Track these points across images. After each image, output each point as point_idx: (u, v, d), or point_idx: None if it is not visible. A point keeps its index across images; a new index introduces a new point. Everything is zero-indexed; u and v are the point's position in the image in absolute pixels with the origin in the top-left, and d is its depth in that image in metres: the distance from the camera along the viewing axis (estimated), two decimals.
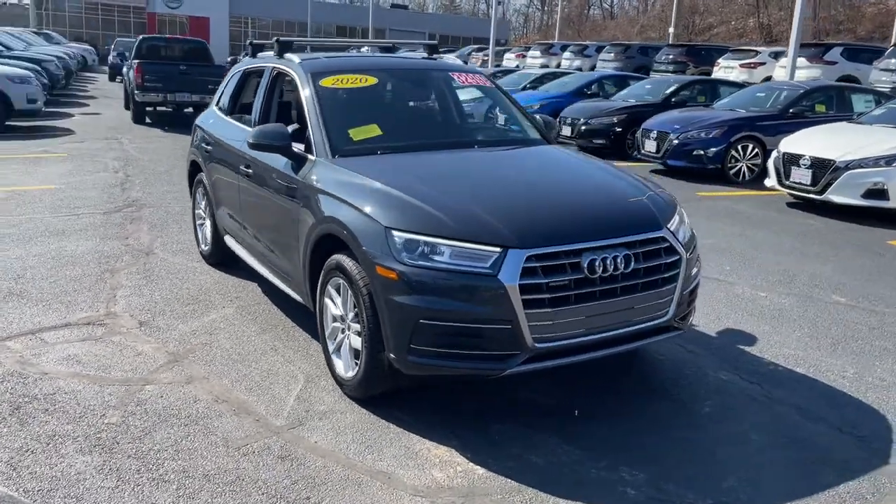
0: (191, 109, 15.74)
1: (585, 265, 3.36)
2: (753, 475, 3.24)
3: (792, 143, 9.20)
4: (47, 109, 16.16)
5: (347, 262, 3.59)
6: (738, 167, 11.01)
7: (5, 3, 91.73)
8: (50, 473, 3.05)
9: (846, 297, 5.66)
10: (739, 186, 10.71)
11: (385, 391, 3.71)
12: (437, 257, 3.31)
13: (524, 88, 17.74)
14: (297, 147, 4.29)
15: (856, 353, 4.60)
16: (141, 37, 16.36)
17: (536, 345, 3.32)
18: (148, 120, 15.90)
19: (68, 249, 6.35)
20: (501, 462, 3.27)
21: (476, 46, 38.87)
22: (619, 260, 3.44)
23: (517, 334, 3.27)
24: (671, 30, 40.59)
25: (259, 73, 5.26)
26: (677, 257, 3.69)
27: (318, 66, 4.70)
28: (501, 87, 5.16)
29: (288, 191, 4.26)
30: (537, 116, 5.10)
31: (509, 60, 33.44)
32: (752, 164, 11.00)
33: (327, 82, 4.56)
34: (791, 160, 8.94)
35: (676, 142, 11.11)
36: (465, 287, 3.26)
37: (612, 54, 27.72)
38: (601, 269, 3.39)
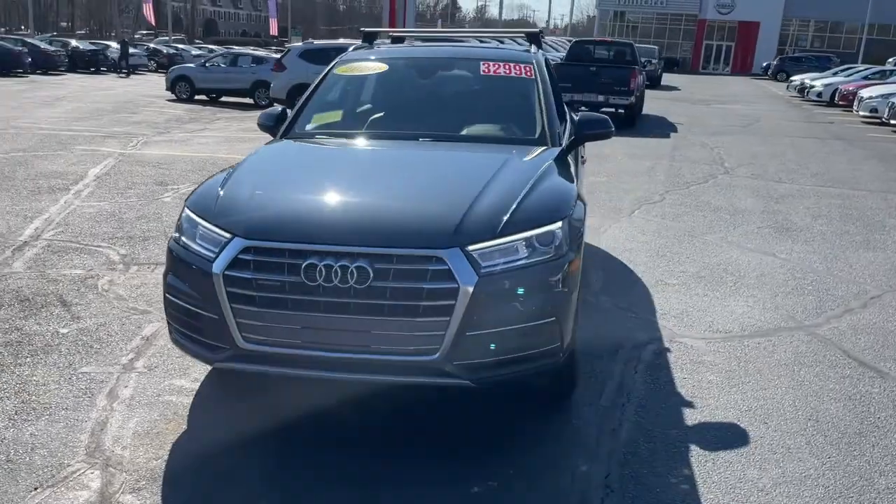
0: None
1: (303, 269, 2.97)
2: None
3: None
4: None
5: None
6: None
7: (594, 16, 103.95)
8: None
9: None
10: None
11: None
12: (197, 237, 3.32)
13: None
14: None
15: None
16: (574, 40, 17.28)
17: (245, 344, 3.09)
18: None
19: None
20: (185, 445, 3.21)
21: None
22: (350, 272, 2.93)
23: (224, 327, 3.09)
24: None
25: None
26: (454, 286, 2.92)
27: (355, 55, 4.84)
28: (542, 83, 4.44)
29: None
30: (576, 116, 4.32)
31: None
32: None
33: (341, 70, 4.68)
34: None
35: None
36: (192, 269, 3.21)
37: None
38: (322, 276, 2.94)
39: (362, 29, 5.24)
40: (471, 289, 2.92)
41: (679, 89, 30.77)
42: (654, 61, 31.42)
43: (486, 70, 4.52)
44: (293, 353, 3.07)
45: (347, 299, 2.96)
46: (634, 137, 14.06)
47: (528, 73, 4.50)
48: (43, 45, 32.54)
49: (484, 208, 3.19)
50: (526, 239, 3.10)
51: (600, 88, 15.04)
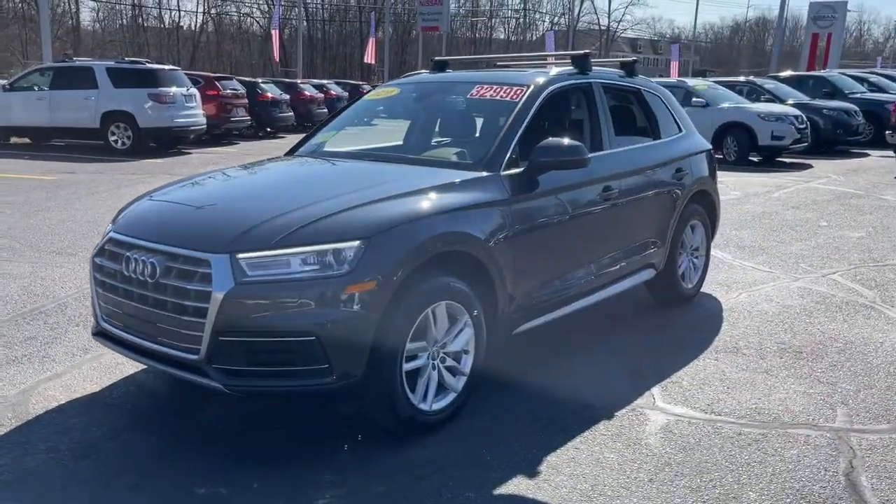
0: None
1: (123, 259, 3.36)
2: None
3: None
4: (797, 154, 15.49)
5: None
6: None
7: None
8: None
9: None
10: None
11: None
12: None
13: None
14: None
15: None
16: None
17: (103, 323, 3.57)
18: None
19: None
20: (73, 405, 3.76)
21: None
22: (146, 265, 3.24)
23: (94, 305, 3.62)
24: None
25: None
26: (208, 290, 3.03)
27: (392, 81, 5.07)
28: (523, 106, 4.05)
29: None
30: (547, 142, 3.88)
31: None
32: None
33: (369, 95, 4.95)
34: None
35: None
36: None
37: None
38: (130, 268, 3.31)
39: (432, 58, 5.37)
40: (221, 295, 3.00)
41: None
42: None
43: (475, 94, 4.35)
44: (121, 335, 3.46)
45: (145, 291, 3.27)
46: None
47: (514, 97, 4.18)
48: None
49: (279, 220, 3.22)
50: (306, 253, 3.07)
51: None
